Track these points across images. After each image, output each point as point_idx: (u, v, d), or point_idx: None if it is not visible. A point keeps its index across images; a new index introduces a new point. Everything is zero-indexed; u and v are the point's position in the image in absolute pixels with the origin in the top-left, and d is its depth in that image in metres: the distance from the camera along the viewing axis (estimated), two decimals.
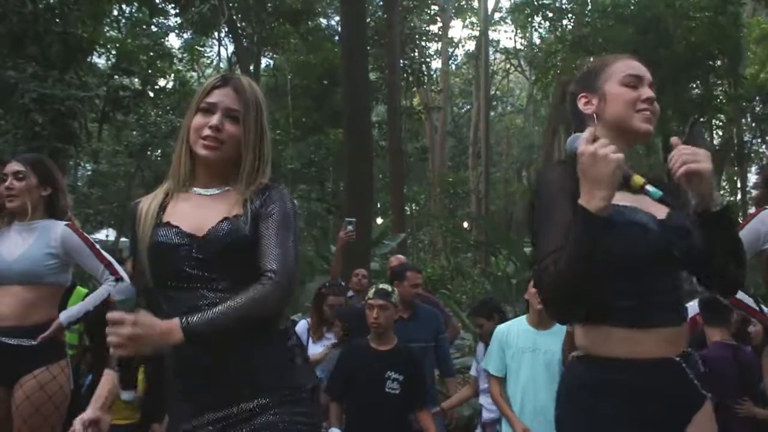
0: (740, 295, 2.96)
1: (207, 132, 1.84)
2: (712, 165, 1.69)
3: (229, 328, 1.68)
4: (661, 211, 1.78)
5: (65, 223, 3.06)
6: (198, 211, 1.86)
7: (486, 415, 4.43)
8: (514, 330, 3.88)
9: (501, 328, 4.06)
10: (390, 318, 3.87)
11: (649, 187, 1.62)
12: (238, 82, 1.89)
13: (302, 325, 4.96)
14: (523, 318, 3.95)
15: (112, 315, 1.70)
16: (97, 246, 3.10)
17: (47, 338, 2.91)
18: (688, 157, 1.67)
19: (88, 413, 2.05)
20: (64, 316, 2.99)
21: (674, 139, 1.74)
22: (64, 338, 3.13)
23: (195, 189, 1.92)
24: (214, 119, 1.84)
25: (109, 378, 2.13)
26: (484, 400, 4.45)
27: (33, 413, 2.84)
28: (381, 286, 4.03)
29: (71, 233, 3.02)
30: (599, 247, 1.61)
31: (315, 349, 4.72)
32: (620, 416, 1.69)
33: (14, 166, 3.05)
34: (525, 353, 3.80)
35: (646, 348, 1.70)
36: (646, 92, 1.83)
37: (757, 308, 2.98)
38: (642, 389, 1.70)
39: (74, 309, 3.06)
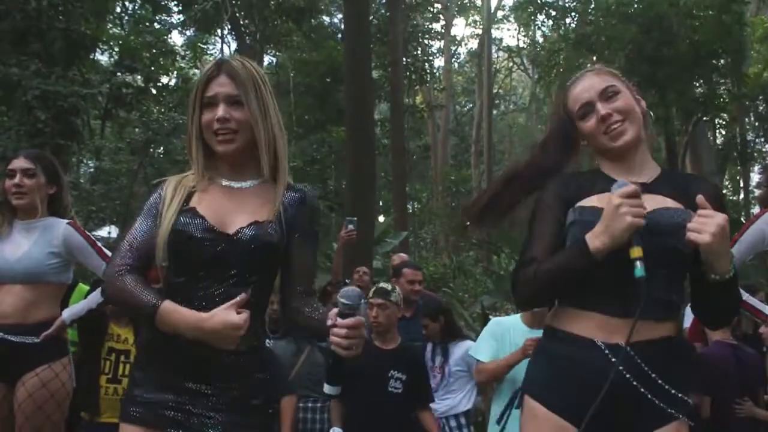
0: (745, 296, 2.95)
1: (216, 126, 1.85)
2: (720, 235, 1.71)
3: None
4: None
5: (67, 221, 3.05)
6: (227, 205, 1.88)
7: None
8: (510, 328, 3.87)
9: (496, 321, 4.07)
10: (390, 317, 3.86)
11: (637, 263, 1.72)
12: (230, 66, 1.88)
13: None
14: (517, 317, 3.93)
15: (349, 321, 1.74)
16: (99, 244, 3.09)
17: (50, 336, 2.91)
18: (695, 225, 1.73)
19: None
20: (66, 314, 3.00)
21: (699, 199, 1.78)
22: (67, 336, 3.13)
23: (223, 181, 1.93)
24: (220, 111, 1.85)
25: None
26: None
27: (35, 411, 2.84)
28: (381, 285, 4.03)
29: (73, 232, 3.01)
30: (579, 276, 1.80)
31: None
32: (544, 378, 1.89)
33: (23, 163, 3.03)
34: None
35: (587, 329, 1.84)
36: (599, 112, 1.91)
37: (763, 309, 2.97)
38: (565, 360, 1.86)
39: (77, 307, 3.07)
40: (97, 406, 3.88)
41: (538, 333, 3.71)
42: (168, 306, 1.74)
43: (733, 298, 1.87)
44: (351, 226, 5.46)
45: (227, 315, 1.72)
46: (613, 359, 1.78)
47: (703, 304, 1.91)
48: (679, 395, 1.83)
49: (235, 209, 1.88)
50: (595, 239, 1.75)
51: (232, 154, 1.88)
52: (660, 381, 1.79)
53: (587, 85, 1.96)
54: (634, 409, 1.79)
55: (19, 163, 3.03)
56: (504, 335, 3.86)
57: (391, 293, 3.89)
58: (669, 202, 1.86)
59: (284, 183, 1.95)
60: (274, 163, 1.94)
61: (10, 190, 2.98)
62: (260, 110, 1.88)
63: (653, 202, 1.83)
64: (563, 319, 1.90)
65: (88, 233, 3.11)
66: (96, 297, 3.08)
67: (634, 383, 1.77)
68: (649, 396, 1.78)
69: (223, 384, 1.80)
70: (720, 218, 1.71)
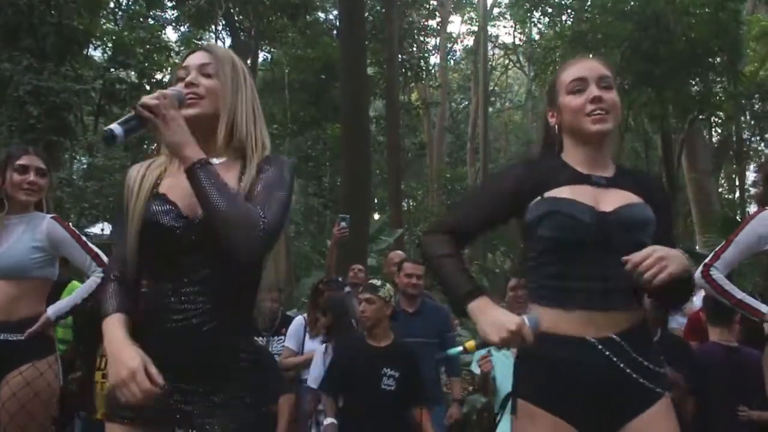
0: (741, 295, 2.94)
1: (185, 91, 1.81)
2: (673, 260, 1.77)
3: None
4: (609, 204, 1.89)
5: (51, 216, 3.03)
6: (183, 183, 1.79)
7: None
8: None
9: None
10: (377, 312, 3.83)
11: (456, 348, 1.90)
12: (211, 44, 1.93)
13: (298, 321, 4.93)
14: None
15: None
16: (84, 238, 3.07)
17: (35, 333, 2.87)
18: (653, 272, 1.75)
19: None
20: (51, 311, 2.96)
21: (632, 259, 1.81)
22: (53, 333, 3.08)
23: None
24: (189, 77, 1.82)
25: None
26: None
27: (19, 410, 2.80)
28: (371, 280, 4.02)
29: (56, 226, 2.99)
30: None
31: (311, 345, 4.68)
32: (538, 381, 1.90)
33: (37, 161, 3.02)
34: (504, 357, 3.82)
35: (568, 327, 1.86)
36: (593, 92, 1.92)
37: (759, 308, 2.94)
38: (558, 361, 1.87)
39: (62, 303, 3.03)
40: (93, 403, 3.86)
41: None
42: (108, 322, 1.73)
43: (690, 284, 1.95)
44: (344, 224, 5.44)
45: (138, 374, 1.62)
46: (606, 352, 1.84)
47: (662, 295, 1.95)
48: (660, 371, 1.93)
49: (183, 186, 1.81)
50: (477, 311, 1.82)
51: (194, 118, 1.78)
52: (645, 363, 1.88)
53: (589, 65, 2.00)
54: (627, 393, 1.86)
55: (33, 161, 3.02)
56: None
57: (380, 288, 3.88)
58: (633, 197, 1.93)
59: (256, 160, 1.83)
60: (244, 141, 1.85)
61: (21, 185, 2.96)
62: (232, 86, 1.84)
63: (621, 197, 1.92)
64: (553, 322, 1.89)
65: (73, 228, 3.09)
66: (81, 293, 3.05)
67: (628, 370, 1.85)
68: (640, 379, 1.86)
69: (215, 383, 1.75)
70: (659, 252, 1.76)
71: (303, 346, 4.81)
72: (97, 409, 3.87)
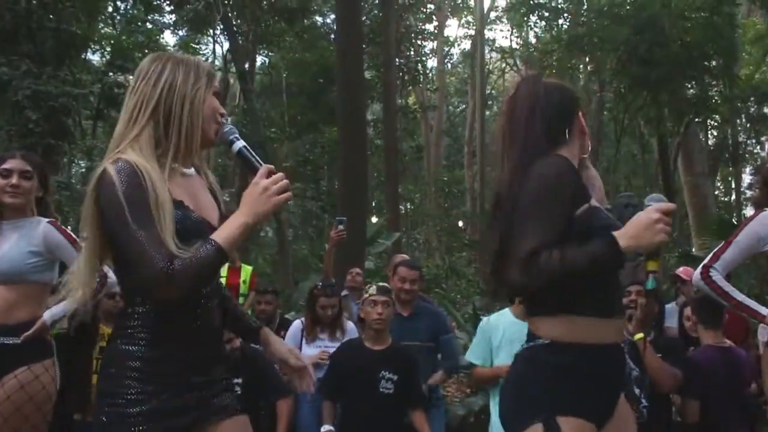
0: (741, 297, 2.95)
1: (219, 117, 1.91)
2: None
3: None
4: None
5: (47, 220, 3.03)
6: (200, 195, 1.94)
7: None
8: (501, 322, 3.91)
9: (486, 321, 4.10)
10: (390, 316, 3.88)
11: (651, 276, 1.87)
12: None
13: (296, 325, 4.88)
14: (506, 311, 3.95)
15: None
16: (80, 242, 3.06)
17: (31, 337, 2.87)
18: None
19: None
20: (48, 315, 2.94)
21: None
22: (50, 337, 3.07)
23: (182, 169, 1.92)
24: (221, 108, 1.93)
25: None
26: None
27: (13, 413, 2.79)
28: (381, 283, 4.04)
29: (53, 230, 2.99)
30: (605, 270, 1.85)
31: (308, 351, 4.61)
32: (593, 389, 1.89)
33: (21, 164, 3.01)
34: (514, 343, 3.82)
35: (608, 335, 1.92)
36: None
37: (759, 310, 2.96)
38: (605, 371, 1.93)
39: (58, 307, 2.98)
40: (90, 406, 3.87)
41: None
42: (218, 234, 1.74)
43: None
44: (341, 226, 5.46)
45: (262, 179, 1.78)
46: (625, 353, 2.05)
47: None
48: None
49: (201, 199, 1.94)
50: (624, 240, 1.79)
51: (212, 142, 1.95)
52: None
53: None
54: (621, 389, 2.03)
55: (17, 164, 3.01)
56: (495, 333, 3.91)
57: (392, 291, 3.93)
58: None
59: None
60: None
61: (4, 188, 2.96)
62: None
63: None
64: (582, 331, 1.89)
65: (71, 232, 3.09)
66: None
67: (632, 365, 2.10)
68: (631, 375, 2.11)
69: (222, 375, 1.95)
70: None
71: (300, 352, 4.79)
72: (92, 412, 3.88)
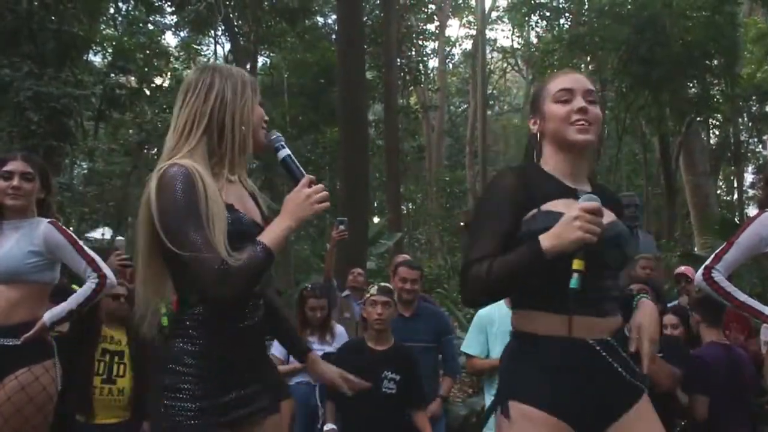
0: (743, 297, 2.95)
1: (264, 126, 2.04)
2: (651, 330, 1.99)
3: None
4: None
5: (48, 220, 3.03)
6: (246, 199, 2.04)
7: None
8: (497, 314, 3.97)
9: (480, 314, 4.14)
10: (391, 315, 3.88)
11: (575, 275, 1.81)
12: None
13: None
14: (501, 302, 3.94)
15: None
16: (81, 243, 3.06)
17: (31, 338, 2.87)
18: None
19: None
20: (47, 316, 2.93)
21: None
22: (50, 338, 3.07)
23: (229, 176, 2.01)
24: (265, 115, 2.06)
25: None
26: None
27: (14, 414, 2.79)
28: (383, 284, 4.04)
29: (53, 230, 2.98)
30: (532, 274, 1.87)
31: None
32: (536, 382, 1.93)
33: (22, 166, 3.01)
34: (508, 334, 3.88)
35: (563, 329, 1.92)
36: (578, 103, 1.98)
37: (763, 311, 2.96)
38: (558, 362, 1.93)
39: (58, 308, 2.99)
40: (91, 407, 3.86)
41: None
42: (265, 237, 1.86)
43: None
44: (342, 226, 5.46)
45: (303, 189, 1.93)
46: (603, 353, 1.92)
47: None
48: (638, 369, 1.99)
49: (247, 203, 2.03)
50: (546, 240, 1.82)
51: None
52: (629, 361, 1.97)
53: (576, 77, 2.06)
54: (616, 391, 1.94)
55: (18, 166, 3.01)
56: (489, 325, 3.98)
57: (393, 292, 3.93)
58: (611, 214, 2.01)
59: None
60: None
61: (6, 191, 2.96)
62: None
63: (605, 213, 1.93)
64: (542, 324, 1.95)
65: (72, 233, 3.08)
66: (77, 298, 3.04)
67: (619, 369, 1.93)
68: (628, 377, 1.95)
69: (265, 373, 2.08)
70: (647, 342, 1.96)
71: (289, 355, 4.72)
72: (95, 414, 3.89)
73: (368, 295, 3.94)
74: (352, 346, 4.11)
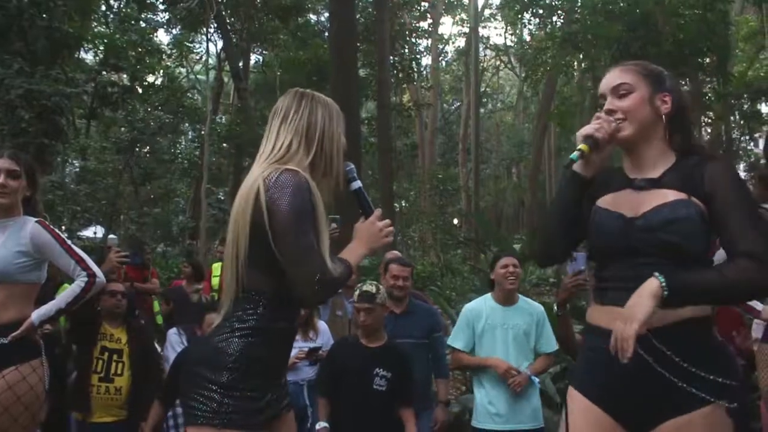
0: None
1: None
2: (642, 310, 1.76)
3: None
4: (643, 208, 1.93)
5: (35, 219, 3.00)
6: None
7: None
8: (484, 308, 4.02)
9: (467, 308, 4.16)
10: (378, 318, 3.87)
11: (575, 152, 1.97)
12: None
13: None
14: (488, 296, 4.06)
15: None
16: (69, 242, 3.03)
17: (18, 337, 2.85)
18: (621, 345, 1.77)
19: None
20: (35, 315, 2.91)
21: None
22: (37, 338, 3.05)
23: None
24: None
25: None
26: None
27: (2, 413, 2.78)
28: (365, 288, 4.00)
29: (41, 230, 2.95)
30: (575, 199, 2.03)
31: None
32: (579, 364, 2.07)
33: (8, 163, 2.97)
34: (496, 329, 3.96)
35: (603, 319, 1.94)
36: (606, 107, 2.05)
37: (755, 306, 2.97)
38: (594, 349, 1.97)
39: (45, 307, 2.96)
40: (89, 405, 3.86)
41: (510, 309, 3.98)
42: (349, 257, 2.13)
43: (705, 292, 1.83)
44: (334, 225, 5.44)
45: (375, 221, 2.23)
46: (640, 350, 1.79)
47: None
48: (710, 377, 1.81)
49: None
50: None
51: None
52: (684, 364, 1.80)
53: (607, 79, 2.09)
54: (660, 392, 1.82)
55: (4, 163, 2.97)
56: (477, 319, 4.01)
57: (376, 296, 3.88)
58: (670, 196, 1.90)
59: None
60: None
61: None
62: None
63: (654, 199, 1.92)
64: (592, 315, 2.05)
65: (60, 232, 3.05)
66: (66, 297, 3.02)
67: (659, 369, 1.81)
68: (674, 379, 1.80)
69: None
70: (629, 329, 1.72)
71: None
72: (93, 412, 3.88)
73: (353, 299, 3.93)
74: (345, 343, 4.11)
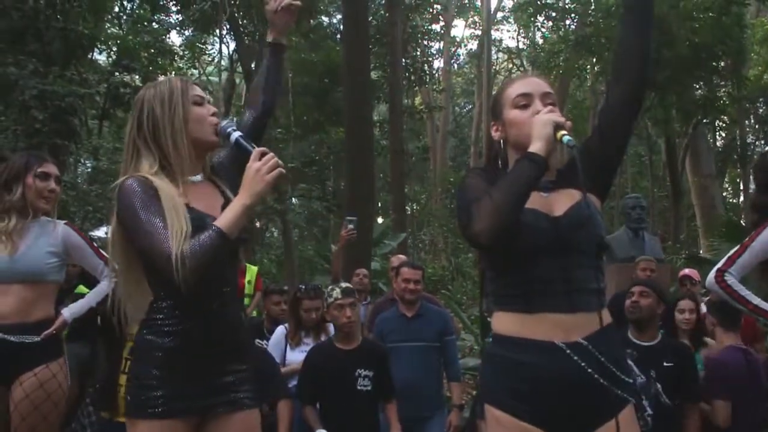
0: (757, 300, 2.91)
1: (214, 120, 2.10)
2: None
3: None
4: (560, 208, 1.96)
5: (64, 222, 3.12)
6: (210, 197, 2.12)
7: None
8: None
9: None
10: (358, 314, 3.98)
11: (564, 137, 1.85)
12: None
13: (280, 331, 4.77)
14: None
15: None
16: (96, 244, 3.18)
17: (50, 335, 2.94)
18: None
19: None
20: (68, 313, 3.06)
21: None
22: (62, 336, 3.16)
23: (189, 177, 2.11)
24: (212, 107, 2.13)
25: None
26: None
27: (32, 411, 2.86)
28: (345, 285, 4.06)
29: (71, 232, 3.09)
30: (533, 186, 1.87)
31: (294, 356, 4.54)
32: (504, 384, 1.91)
33: (55, 169, 3.11)
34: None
35: (529, 330, 1.88)
36: (536, 107, 1.99)
37: None
38: (525, 365, 1.88)
39: (77, 305, 3.13)
40: (116, 404, 3.89)
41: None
42: (219, 220, 1.93)
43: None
44: (351, 225, 5.42)
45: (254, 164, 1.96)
46: (575, 357, 1.85)
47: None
48: (627, 379, 1.93)
49: (213, 201, 2.11)
50: (532, 146, 1.86)
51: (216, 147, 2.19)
52: (613, 369, 1.88)
53: (534, 82, 2.07)
54: (595, 399, 1.86)
55: (53, 169, 3.11)
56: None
57: (354, 291, 3.99)
58: (575, 195, 1.97)
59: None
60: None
61: (42, 192, 3.03)
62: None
63: (568, 198, 1.97)
64: (512, 325, 1.93)
65: (84, 234, 3.16)
66: (95, 296, 3.13)
67: (596, 376, 1.85)
68: (607, 385, 1.86)
69: (239, 368, 2.11)
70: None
71: (285, 357, 4.64)
72: (120, 411, 3.89)
73: (332, 300, 3.90)
74: (320, 349, 4.10)
